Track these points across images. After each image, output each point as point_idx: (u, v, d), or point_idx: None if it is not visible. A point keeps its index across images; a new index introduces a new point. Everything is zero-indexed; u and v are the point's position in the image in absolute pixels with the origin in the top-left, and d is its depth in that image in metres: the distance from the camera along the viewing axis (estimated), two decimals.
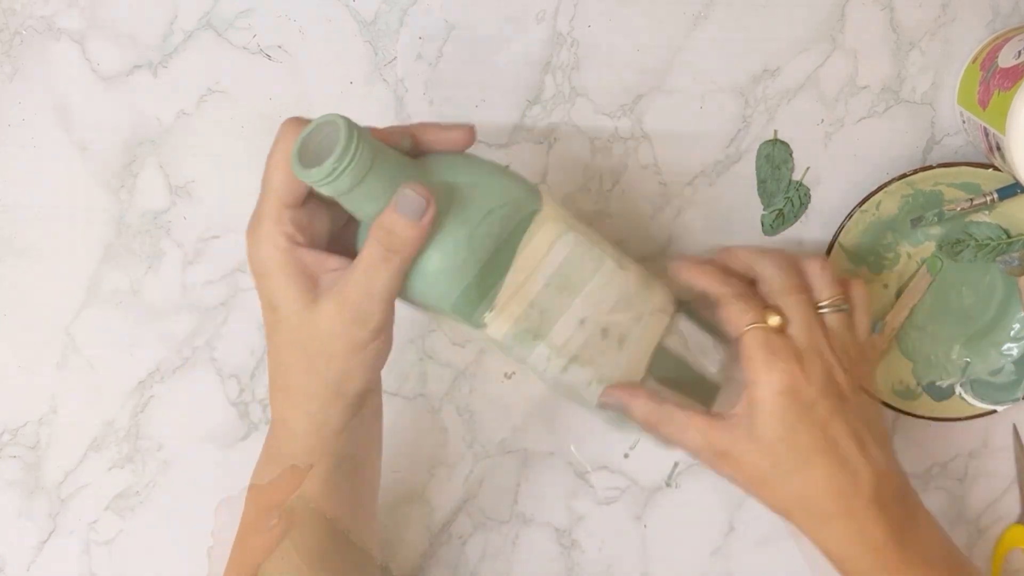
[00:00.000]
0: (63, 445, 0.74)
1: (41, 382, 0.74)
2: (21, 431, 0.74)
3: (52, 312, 0.73)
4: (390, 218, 0.52)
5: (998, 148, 0.64)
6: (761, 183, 0.73)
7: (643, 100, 0.71)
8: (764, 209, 0.73)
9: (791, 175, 0.72)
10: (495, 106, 0.71)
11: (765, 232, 0.73)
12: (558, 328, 0.60)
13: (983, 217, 0.71)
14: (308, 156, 0.54)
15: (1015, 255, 0.71)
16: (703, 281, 0.61)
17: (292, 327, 0.54)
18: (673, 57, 0.71)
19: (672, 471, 0.76)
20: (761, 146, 0.72)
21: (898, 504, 0.59)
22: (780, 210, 0.73)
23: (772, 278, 0.60)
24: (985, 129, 0.66)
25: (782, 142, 0.72)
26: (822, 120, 0.72)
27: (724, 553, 0.77)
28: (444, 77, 0.71)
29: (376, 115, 0.71)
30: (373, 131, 0.56)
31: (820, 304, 0.60)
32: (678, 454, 0.76)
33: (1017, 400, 0.72)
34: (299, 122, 0.55)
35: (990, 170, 0.69)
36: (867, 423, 0.59)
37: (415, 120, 0.71)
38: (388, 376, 0.74)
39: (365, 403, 0.58)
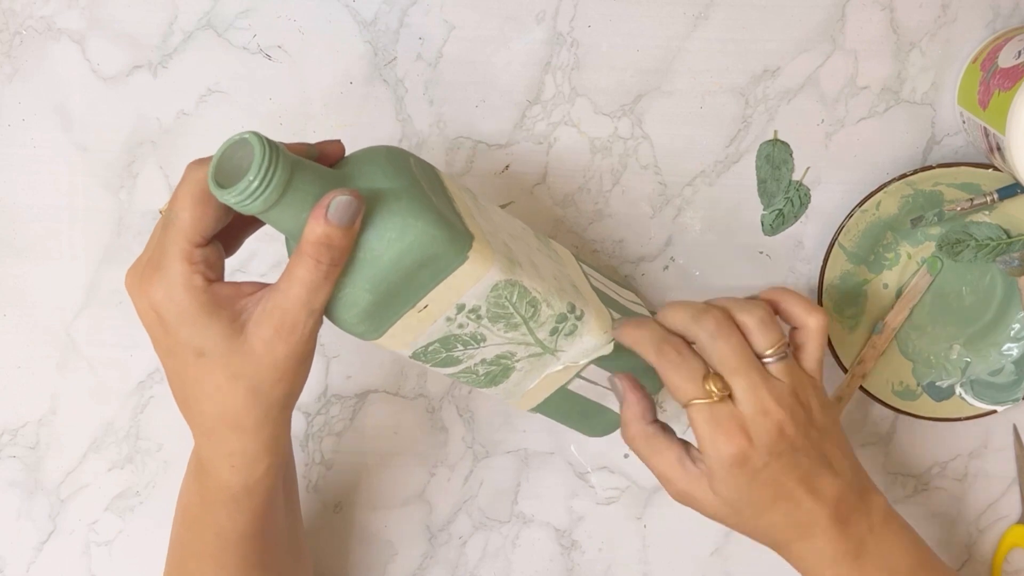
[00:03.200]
0: (63, 445, 0.74)
1: (41, 382, 0.74)
2: (21, 431, 0.74)
3: (52, 312, 0.73)
4: (323, 229, 0.50)
5: (998, 148, 0.64)
6: (761, 183, 0.73)
7: (643, 100, 0.71)
8: (764, 209, 0.73)
9: (791, 175, 0.72)
10: (495, 106, 0.71)
11: (765, 232, 0.73)
12: (472, 362, 0.60)
13: (983, 217, 0.71)
14: (224, 179, 0.51)
15: (1015, 255, 0.71)
16: (641, 348, 0.59)
17: (227, 363, 0.52)
18: (673, 57, 0.71)
19: None
20: (761, 146, 0.72)
21: (860, 516, 0.59)
22: (780, 210, 0.73)
23: (707, 346, 0.58)
24: (985, 129, 0.66)
25: (782, 142, 0.72)
26: (822, 120, 0.72)
27: (724, 553, 0.77)
28: (444, 77, 0.71)
29: (376, 115, 0.71)
30: (291, 144, 0.55)
31: (763, 356, 0.58)
32: None
33: (1017, 400, 0.72)
34: (203, 162, 0.53)
35: (990, 170, 0.69)
36: (825, 451, 0.59)
37: (414, 119, 0.71)
38: (388, 376, 0.74)
39: (286, 429, 0.57)
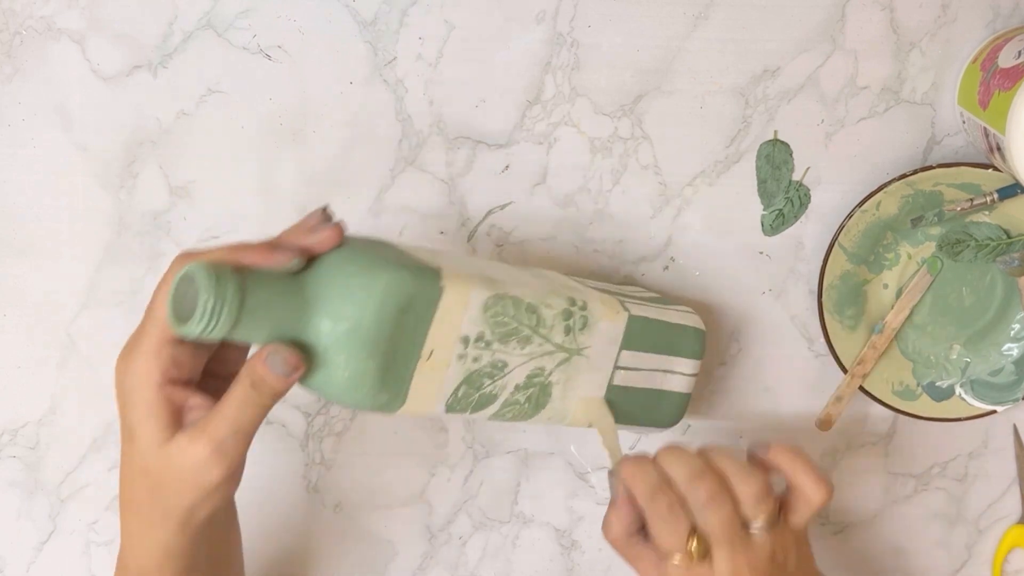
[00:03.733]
0: (63, 445, 0.74)
1: (41, 382, 0.74)
2: (21, 431, 0.74)
3: (52, 312, 0.73)
4: (261, 367, 0.52)
5: (998, 148, 0.64)
6: (761, 183, 0.73)
7: (643, 100, 0.71)
8: (764, 209, 0.73)
9: (791, 175, 0.72)
10: (495, 106, 0.71)
11: (765, 232, 0.73)
12: (486, 397, 0.60)
13: (983, 217, 0.71)
14: (183, 306, 0.52)
15: (1015, 255, 0.71)
16: (636, 489, 0.59)
17: (146, 458, 0.54)
18: (673, 57, 0.71)
19: None
20: (761, 146, 0.72)
21: None
22: (780, 210, 0.73)
23: (697, 512, 0.58)
24: (985, 129, 0.66)
25: (782, 142, 0.72)
26: (822, 120, 0.72)
27: None
28: (444, 77, 0.71)
29: (376, 115, 0.71)
30: (249, 252, 0.54)
31: (749, 525, 0.58)
32: None
33: (1017, 400, 0.72)
34: (190, 256, 0.54)
35: (990, 170, 0.69)
36: None
37: (414, 119, 0.71)
38: None
39: (214, 522, 0.58)
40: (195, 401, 0.54)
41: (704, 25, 0.71)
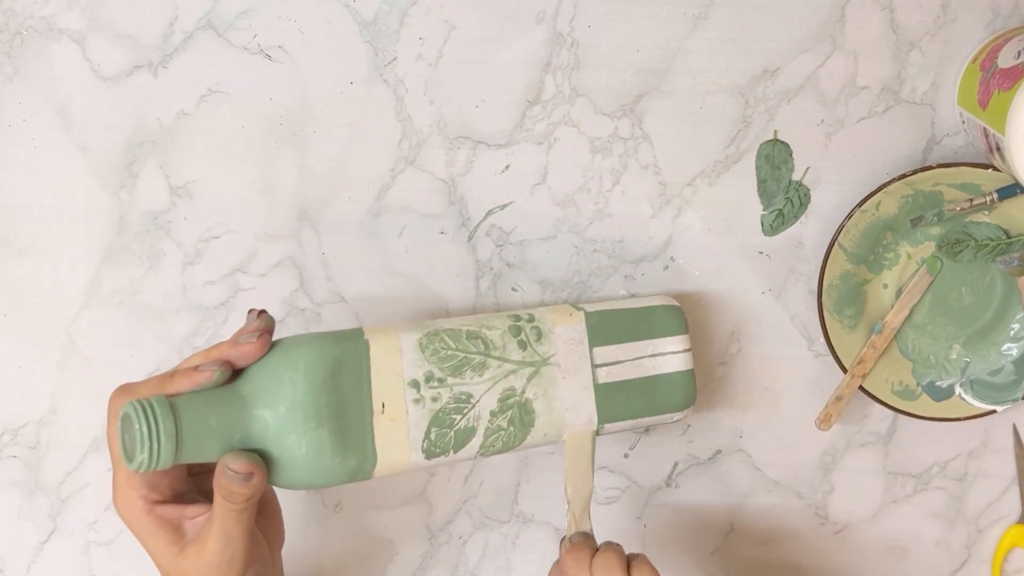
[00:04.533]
0: (63, 445, 0.74)
1: (41, 382, 0.74)
2: (21, 431, 0.74)
3: (52, 312, 0.73)
4: (224, 481, 0.55)
5: (998, 148, 0.64)
6: (761, 183, 0.73)
7: (643, 100, 0.71)
8: (764, 209, 0.73)
9: (791, 175, 0.73)
10: (495, 106, 0.71)
11: (765, 232, 0.73)
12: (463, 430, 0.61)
13: (983, 217, 0.71)
14: (130, 443, 0.55)
15: (1015, 255, 0.71)
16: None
17: (169, 571, 0.59)
18: (673, 57, 0.71)
19: (672, 471, 0.76)
20: (761, 146, 0.72)
21: None
22: (780, 210, 0.73)
23: None
24: (985, 129, 0.66)
25: (782, 142, 0.72)
26: (822, 120, 0.72)
27: (724, 553, 0.77)
28: (444, 77, 0.71)
29: (376, 115, 0.71)
30: (174, 380, 0.57)
31: None
32: (678, 454, 0.76)
33: (1017, 400, 0.72)
34: (124, 391, 0.58)
35: (990, 170, 0.69)
36: None
37: (414, 119, 0.71)
38: None
39: None
40: (191, 511, 0.59)
41: (704, 25, 0.71)
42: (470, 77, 0.71)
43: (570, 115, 0.71)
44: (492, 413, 0.61)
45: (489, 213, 0.73)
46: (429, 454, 0.60)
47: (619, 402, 0.65)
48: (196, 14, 0.70)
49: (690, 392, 0.67)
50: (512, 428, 0.62)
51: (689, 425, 0.75)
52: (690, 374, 0.67)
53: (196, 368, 0.57)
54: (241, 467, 0.55)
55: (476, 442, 0.61)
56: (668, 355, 0.67)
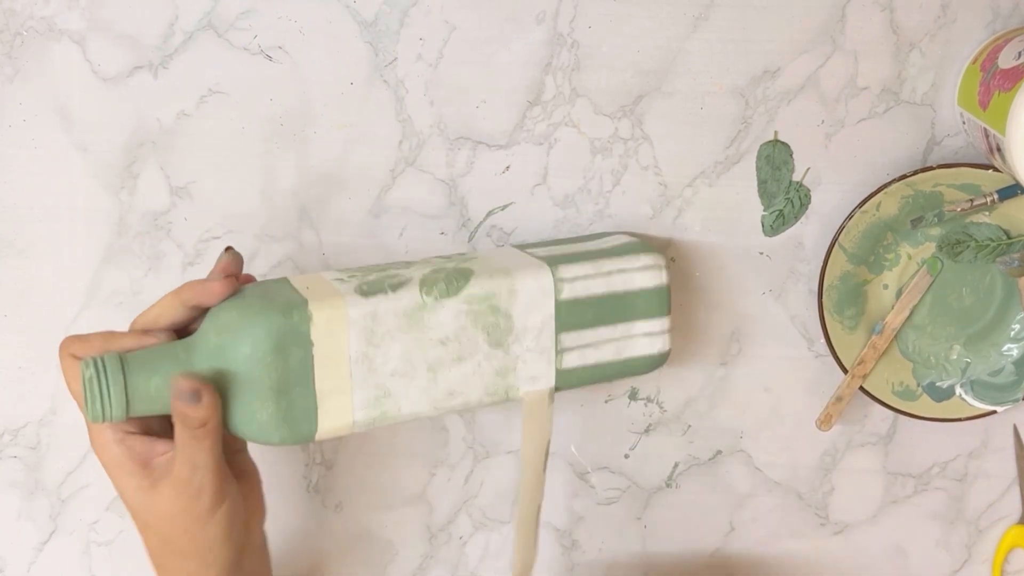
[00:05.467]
0: (63, 446, 0.74)
1: (41, 382, 0.74)
2: (21, 431, 0.74)
3: (52, 312, 0.73)
4: (178, 404, 0.56)
5: (998, 149, 0.64)
6: (761, 184, 0.73)
7: (643, 101, 0.71)
8: (764, 210, 0.73)
9: (791, 176, 0.73)
10: (495, 107, 0.71)
11: (765, 233, 0.73)
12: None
13: (983, 218, 0.71)
14: (89, 395, 0.56)
15: (1015, 256, 0.71)
16: None
17: (140, 513, 0.59)
18: (673, 58, 0.71)
19: (672, 471, 0.76)
20: (761, 147, 0.72)
21: None
22: (780, 211, 0.73)
23: None
24: (985, 130, 0.66)
25: (782, 143, 0.72)
26: (822, 121, 0.72)
27: (724, 553, 0.77)
28: (444, 77, 0.71)
29: (376, 116, 0.71)
30: (122, 338, 0.59)
31: None
32: (678, 454, 0.76)
33: (1017, 400, 0.72)
34: (73, 340, 0.59)
35: (990, 171, 0.69)
36: None
37: (415, 120, 0.71)
38: None
39: (243, 557, 0.61)
40: (160, 447, 0.59)
41: (704, 26, 0.71)
42: (470, 78, 0.71)
43: (570, 116, 0.71)
44: (424, 277, 0.61)
45: (489, 214, 0.73)
46: (363, 292, 0.60)
47: (575, 312, 0.64)
48: (196, 14, 0.70)
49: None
50: (445, 286, 0.61)
51: (690, 425, 0.75)
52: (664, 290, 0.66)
53: (146, 333, 0.59)
54: (187, 384, 0.55)
55: (415, 282, 0.61)
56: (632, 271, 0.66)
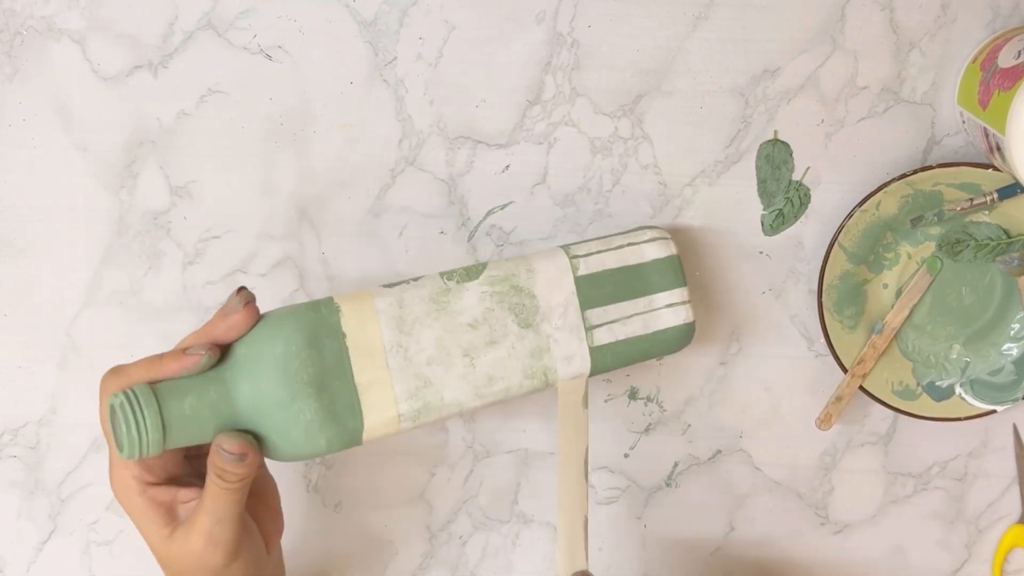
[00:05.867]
0: (63, 445, 0.74)
1: (41, 382, 0.74)
2: (21, 431, 0.74)
3: (52, 312, 0.73)
4: (218, 460, 0.56)
5: (998, 148, 0.64)
6: (761, 183, 0.73)
7: (643, 100, 0.71)
8: (764, 209, 0.73)
9: (791, 175, 0.73)
10: (495, 106, 0.71)
11: (765, 232, 0.73)
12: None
13: (983, 217, 0.71)
14: (120, 430, 0.56)
15: (1015, 255, 0.71)
16: None
17: (159, 555, 0.59)
18: (673, 57, 0.71)
19: (672, 471, 0.76)
20: (761, 146, 0.72)
21: None
22: (780, 210, 0.73)
23: None
24: (985, 129, 0.66)
25: (782, 142, 0.72)
26: (822, 120, 0.72)
27: (724, 553, 0.77)
28: (444, 77, 0.71)
29: (376, 115, 0.71)
30: (160, 365, 0.57)
31: None
32: (678, 454, 0.76)
33: (1017, 400, 0.72)
34: (115, 373, 0.58)
35: (990, 170, 0.69)
36: None
37: (414, 119, 0.71)
38: None
39: None
40: (184, 495, 0.59)
41: (704, 25, 0.71)
42: (470, 77, 0.71)
43: (570, 115, 0.71)
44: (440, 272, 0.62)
45: (489, 213, 0.73)
46: (388, 284, 0.61)
47: (599, 286, 0.65)
48: (196, 14, 0.70)
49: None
50: (467, 268, 0.63)
51: (690, 425, 0.75)
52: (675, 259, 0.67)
53: (185, 351, 0.57)
54: (235, 447, 0.56)
55: (434, 275, 0.62)
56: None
